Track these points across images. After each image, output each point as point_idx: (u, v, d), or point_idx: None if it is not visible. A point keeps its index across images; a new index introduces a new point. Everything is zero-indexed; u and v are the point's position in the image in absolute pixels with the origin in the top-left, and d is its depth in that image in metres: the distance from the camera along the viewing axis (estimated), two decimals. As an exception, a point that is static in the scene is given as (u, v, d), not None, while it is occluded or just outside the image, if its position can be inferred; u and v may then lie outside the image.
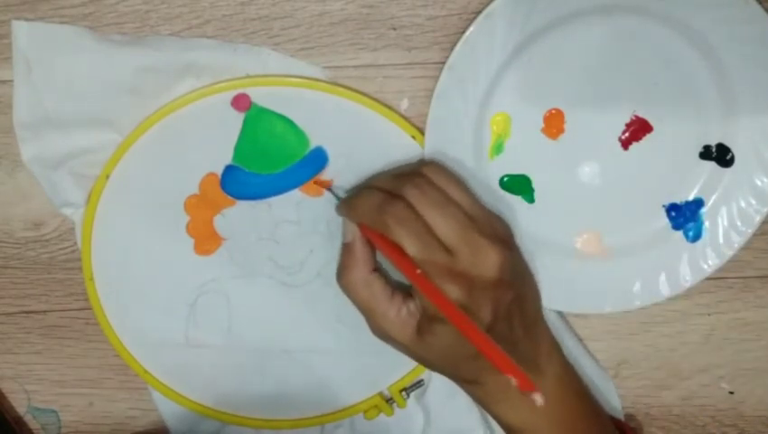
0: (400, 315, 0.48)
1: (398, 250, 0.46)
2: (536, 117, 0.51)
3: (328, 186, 0.51)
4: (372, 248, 0.49)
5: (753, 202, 0.52)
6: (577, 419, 0.51)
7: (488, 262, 0.46)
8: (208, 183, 0.51)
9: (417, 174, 0.48)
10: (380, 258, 0.50)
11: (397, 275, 0.51)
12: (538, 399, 0.41)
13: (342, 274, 0.49)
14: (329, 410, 0.56)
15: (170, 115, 0.50)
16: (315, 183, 0.51)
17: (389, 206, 0.46)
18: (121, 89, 0.49)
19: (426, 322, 0.47)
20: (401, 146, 0.51)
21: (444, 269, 0.45)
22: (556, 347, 0.52)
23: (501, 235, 0.48)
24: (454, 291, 0.45)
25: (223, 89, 0.49)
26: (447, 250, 0.46)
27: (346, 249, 0.49)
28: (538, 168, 0.52)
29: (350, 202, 0.49)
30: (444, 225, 0.46)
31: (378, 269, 0.50)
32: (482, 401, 0.51)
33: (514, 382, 0.41)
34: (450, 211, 0.46)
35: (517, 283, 0.48)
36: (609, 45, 0.49)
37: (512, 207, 0.52)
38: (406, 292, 0.49)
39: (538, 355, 0.50)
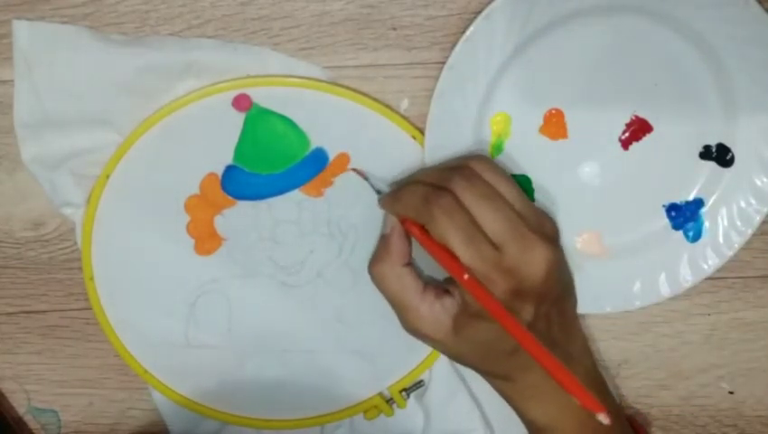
0: (433, 310, 0.47)
1: (441, 246, 0.45)
2: (536, 117, 0.51)
3: (364, 176, 0.51)
4: (409, 242, 0.49)
5: (753, 202, 0.52)
6: None
7: (536, 260, 0.45)
8: (208, 183, 0.51)
9: (464, 166, 0.47)
10: (415, 253, 0.49)
11: (431, 271, 0.50)
12: (604, 419, 0.40)
13: (374, 265, 0.49)
14: (329, 410, 0.56)
15: (170, 115, 0.50)
16: (353, 170, 0.51)
17: (436, 198, 0.45)
18: (121, 89, 0.49)
19: (466, 318, 0.47)
20: (401, 146, 0.51)
21: (490, 265, 0.44)
22: (587, 345, 0.52)
23: (548, 233, 0.47)
24: (498, 289, 0.44)
25: (224, 90, 0.49)
26: (494, 245, 0.45)
27: (382, 240, 0.49)
28: (538, 168, 0.52)
29: (394, 195, 0.48)
30: (492, 219, 0.45)
31: (411, 264, 0.49)
32: (510, 398, 0.50)
33: (577, 401, 0.40)
34: (498, 205, 0.45)
35: (560, 284, 0.48)
36: (609, 45, 0.49)
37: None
38: (439, 288, 0.48)
39: (571, 353, 0.49)
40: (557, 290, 0.47)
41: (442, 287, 0.49)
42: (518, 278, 0.45)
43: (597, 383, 0.52)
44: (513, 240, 0.45)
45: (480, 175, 0.46)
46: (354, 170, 0.51)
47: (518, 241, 0.45)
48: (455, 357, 0.50)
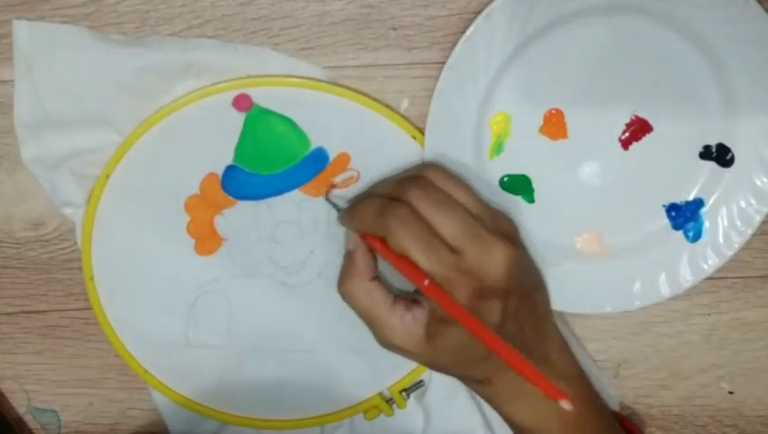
0: (404, 322, 0.48)
1: (401, 256, 0.45)
2: (536, 117, 0.51)
3: (324, 195, 0.51)
4: (374, 256, 0.49)
5: (753, 202, 0.52)
6: (585, 416, 0.51)
7: (495, 259, 0.45)
8: (208, 183, 0.51)
9: (419, 176, 0.48)
10: (382, 266, 0.50)
11: (400, 285, 0.51)
12: (567, 405, 0.41)
13: (343, 282, 0.49)
14: (329, 411, 0.56)
15: (171, 115, 0.50)
16: (330, 187, 0.51)
17: (391, 209, 0.46)
18: (121, 89, 0.49)
19: (436, 325, 0.47)
20: (401, 145, 0.51)
21: (450, 269, 0.45)
22: (565, 344, 0.52)
23: (506, 232, 0.48)
24: (462, 292, 0.45)
25: (224, 90, 0.49)
26: (453, 249, 0.45)
27: (347, 257, 0.49)
28: (538, 168, 0.52)
29: (352, 211, 0.49)
30: (448, 225, 0.45)
31: (379, 278, 0.49)
32: (492, 401, 0.51)
33: (541, 390, 0.41)
34: (454, 210, 0.46)
35: (525, 280, 0.48)
36: (609, 45, 0.49)
37: (512, 207, 0.52)
38: (409, 299, 0.49)
39: (548, 353, 0.50)
40: (522, 287, 0.47)
41: (411, 299, 0.49)
42: (479, 278, 0.45)
43: (580, 382, 0.52)
44: (471, 242, 0.45)
45: (434, 184, 0.47)
46: (331, 185, 0.51)
47: (475, 243, 0.45)
48: (432, 366, 0.50)
